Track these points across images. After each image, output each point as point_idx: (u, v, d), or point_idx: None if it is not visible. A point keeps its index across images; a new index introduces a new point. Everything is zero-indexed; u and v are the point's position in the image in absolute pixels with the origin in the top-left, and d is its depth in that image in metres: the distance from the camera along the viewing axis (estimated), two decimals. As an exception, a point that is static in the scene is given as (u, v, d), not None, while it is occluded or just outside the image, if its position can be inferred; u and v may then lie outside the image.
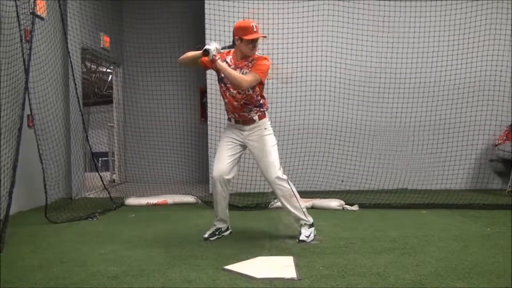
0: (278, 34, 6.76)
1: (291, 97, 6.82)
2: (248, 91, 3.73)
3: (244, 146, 3.92)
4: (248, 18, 6.38)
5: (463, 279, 2.82)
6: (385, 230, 4.26)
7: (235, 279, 2.88)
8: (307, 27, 6.76)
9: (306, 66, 6.85)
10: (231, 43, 3.83)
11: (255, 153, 3.85)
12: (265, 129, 3.83)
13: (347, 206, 5.54)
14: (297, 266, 3.12)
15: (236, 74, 3.65)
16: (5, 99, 4.80)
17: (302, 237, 3.80)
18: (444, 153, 6.93)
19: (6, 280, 2.94)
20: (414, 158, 6.90)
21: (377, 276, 2.89)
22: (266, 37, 3.90)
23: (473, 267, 3.05)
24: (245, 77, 3.63)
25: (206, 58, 3.66)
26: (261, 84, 3.78)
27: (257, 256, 3.41)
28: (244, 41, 3.68)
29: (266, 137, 3.81)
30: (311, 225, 3.89)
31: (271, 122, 3.98)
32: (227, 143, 3.89)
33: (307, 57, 6.82)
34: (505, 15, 6.81)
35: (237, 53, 3.79)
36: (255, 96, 3.78)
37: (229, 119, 3.96)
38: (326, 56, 6.87)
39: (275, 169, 3.74)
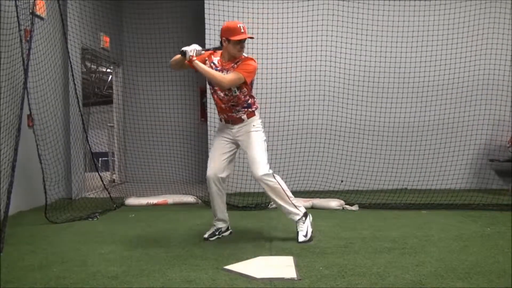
0: (278, 34, 6.75)
1: (290, 96, 6.82)
2: (235, 92, 3.73)
3: (237, 144, 3.92)
4: (248, 18, 6.40)
5: (463, 279, 2.82)
6: (385, 230, 4.25)
7: (235, 279, 2.88)
8: (307, 26, 6.76)
9: (306, 66, 6.85)
10: (219, 45, 3.82)
11: (243, 148, 3.87)
12: (253, 125, 3.82)
13: (347, 206, 5.54)
14: (297, 266, 3.12)
15: (215, 73, 3.66)
16: (4, 98, 4.80)
17: (300, 238, 3.78)
18: (444, 153, 6.93)
19: (6, 280, 2.94)
20: (414, 157, 6.90)
21: (377, 276, 2.89)
22: (253, 38, 3.87)
23: (473, 267, 3.05)
24: (226, 76, 3.65)
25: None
26: (247, 84, 3.75)
27: (257, 256, 3.41)
28: (231, 42, 3.67)
29: (253, 133, 3.80)
30: (304, 216, 3.84)
31: (263, 120, 3.99)
32: (219, 142, 3.91)
33: (306, 56, 6.82)
34: (504, 15, 6.80)
35: (225, 55, 3.78)
36: (242, 97, 3.77)
37: (220, 119, 3.99)
38: (325, 55, 6.87)
39: (260, 165, 3.71)
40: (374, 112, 7.01)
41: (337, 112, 6.90)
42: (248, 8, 6.60)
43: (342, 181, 6.79)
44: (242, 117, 3.82)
